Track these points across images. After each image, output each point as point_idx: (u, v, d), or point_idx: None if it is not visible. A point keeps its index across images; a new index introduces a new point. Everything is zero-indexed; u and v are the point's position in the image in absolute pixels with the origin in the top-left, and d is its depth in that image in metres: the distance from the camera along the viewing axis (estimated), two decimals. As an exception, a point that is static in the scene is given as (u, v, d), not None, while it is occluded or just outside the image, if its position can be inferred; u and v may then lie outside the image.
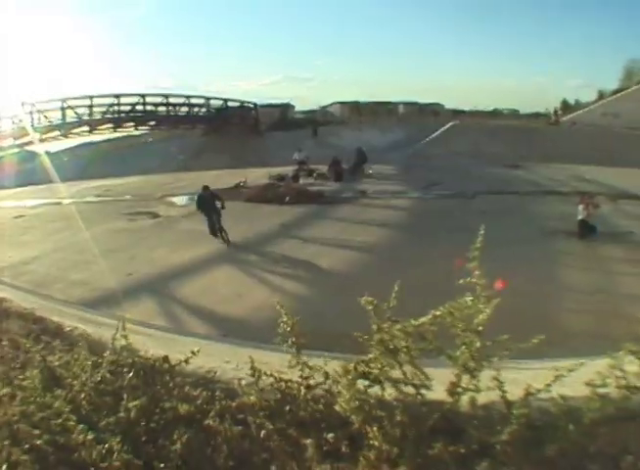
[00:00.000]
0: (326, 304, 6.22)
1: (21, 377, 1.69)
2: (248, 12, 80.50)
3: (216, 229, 10.16)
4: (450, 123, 27.42)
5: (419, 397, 1.39)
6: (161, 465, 1.31)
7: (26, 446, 1.34)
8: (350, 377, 1.42)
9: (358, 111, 37.84)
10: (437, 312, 1.42)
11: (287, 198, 13.66)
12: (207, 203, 10.33)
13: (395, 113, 37.92)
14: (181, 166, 25.78)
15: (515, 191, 14.09)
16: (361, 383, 1.42)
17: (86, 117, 26.55)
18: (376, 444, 1.29)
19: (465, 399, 1.37)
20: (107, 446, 1.32)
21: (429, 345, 1.41)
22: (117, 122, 28.38)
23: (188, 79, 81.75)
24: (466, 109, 40.27)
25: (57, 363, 1.78)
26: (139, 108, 28.66)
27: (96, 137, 29.57)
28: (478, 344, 1.35)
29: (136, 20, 67.13)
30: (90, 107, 26.62)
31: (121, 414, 1.46)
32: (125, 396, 1.52)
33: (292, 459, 1.33)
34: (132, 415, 1.45)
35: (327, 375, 1.49)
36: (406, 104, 39.37)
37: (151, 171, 24.32)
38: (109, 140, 31.52)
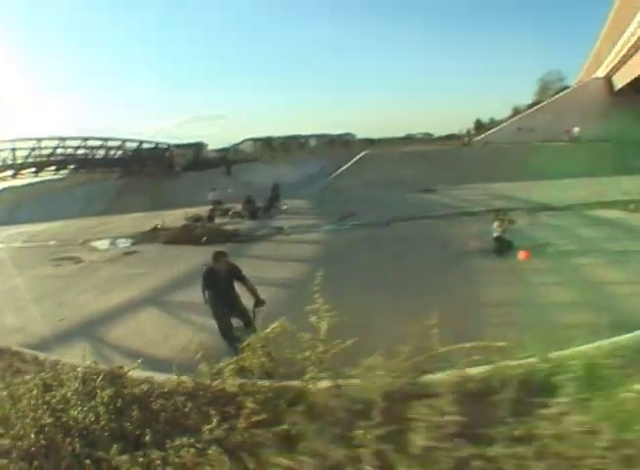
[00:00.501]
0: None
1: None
2: (158, 50, 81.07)
3: (233, 334, 5.08)
4: (362, 153, 27.50)
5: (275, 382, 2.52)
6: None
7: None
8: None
9: (270, 146, 38.01)
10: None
11: (203, 239, 13.19)
12: (222, 282, 5.54)
13: (307, 146, 38.29)
14: (101, 211, 25.62)
15: (430, 215, 13.81)
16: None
17: (10, 162, 26.81)
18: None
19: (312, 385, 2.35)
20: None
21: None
22: (39, 167, 28.63)
23: (105, 121, 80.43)
24: (378, 137, 41.40)
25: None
26: (59, 151, 28.89)
27: (19, 181, 30.00)
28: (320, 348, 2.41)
29: (53, 62, 65.18)
30: (13, 150, 26.82)
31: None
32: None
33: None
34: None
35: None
36: (317, 136, 39.95)
37: (73, 216, 24.24)
38: (31, 184, 31.50)
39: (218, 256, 5.62)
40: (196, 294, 7.96)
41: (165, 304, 8.40)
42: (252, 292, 5.45)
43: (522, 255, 8.14)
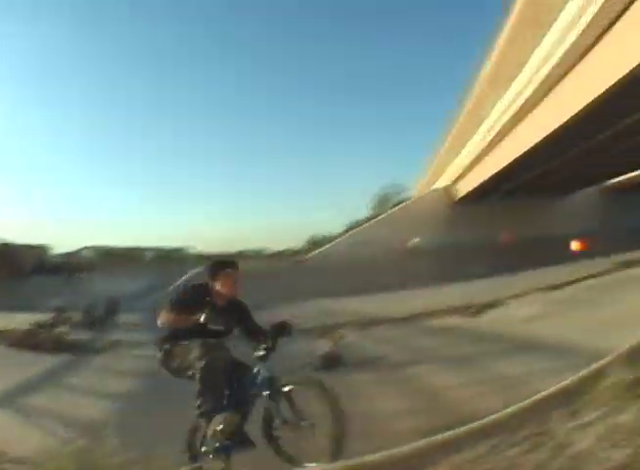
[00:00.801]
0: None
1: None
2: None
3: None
4: (195, 270, 26.11)
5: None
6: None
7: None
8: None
9: (110, 255, 35.92)
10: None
11: (46, 345, 12.65)
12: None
13: (144, 258, 37.07)
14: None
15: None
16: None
17: None
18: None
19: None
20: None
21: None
22: None
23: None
24: (215, 251, 41.32)
25: None
26: None
27: None
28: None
29: None
30: None
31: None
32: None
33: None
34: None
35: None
36: (155, 249, 38.98)
37: None
38: None
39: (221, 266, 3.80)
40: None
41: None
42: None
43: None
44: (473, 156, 25.91)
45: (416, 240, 29.32)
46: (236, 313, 3.70)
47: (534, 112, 17.55)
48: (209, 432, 3.06)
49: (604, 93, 13.00)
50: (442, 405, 5.43)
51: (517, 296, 14.20)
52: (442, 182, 34.32)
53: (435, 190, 34.90)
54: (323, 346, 8.61)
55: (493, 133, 21.49)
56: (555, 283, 15.43)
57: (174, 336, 3.41)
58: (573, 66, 14.17)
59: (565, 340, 7.17)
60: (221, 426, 3.01)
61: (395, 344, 10.13)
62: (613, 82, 12.46)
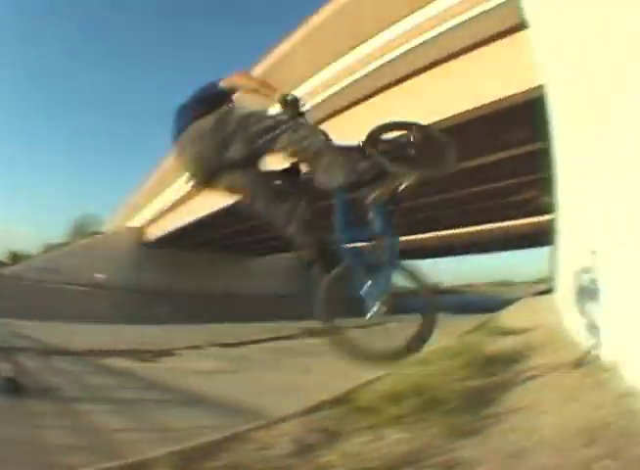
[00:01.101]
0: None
1: None
2: None
3: None
4: None
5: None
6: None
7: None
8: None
9: None
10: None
11: None
12: None
13: None
14: None
15: None
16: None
17: None
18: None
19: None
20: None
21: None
22: None
23: None
24: None
25: None
26: None
27: None
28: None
29: None
30: None
31: None
32: None
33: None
34: None
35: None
36: None
37: None
38: None
39: None
40: None
41: None
42: None
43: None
44: (169, 202, 26.95)
45: (100, 276, 28.08)
46: None
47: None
48: None
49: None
50: (100, 443, 5.57)
51: (196, 347, 15.57)
52: (137, 222, 34.17)
53: (129, 228, 34.47)
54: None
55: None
56: (234, 341, 17.62)
57: None
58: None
59: (230, 398, 7.81)
60: None
61: (71, 377, 9.91)
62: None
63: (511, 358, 5.86)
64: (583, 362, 4.22)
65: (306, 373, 11.07)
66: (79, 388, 8.89)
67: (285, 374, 11.09)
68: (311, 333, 19.04)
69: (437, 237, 30.59)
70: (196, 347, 15.64)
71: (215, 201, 19.37)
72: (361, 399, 4.15)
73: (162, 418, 6.80)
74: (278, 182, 2.54)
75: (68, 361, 11.48)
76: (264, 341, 18.56)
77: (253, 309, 29.78)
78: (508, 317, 11.96)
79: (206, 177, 2.47)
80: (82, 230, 42.05)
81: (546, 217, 19.01)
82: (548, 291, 17.71)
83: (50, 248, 35.72)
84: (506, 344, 7.27)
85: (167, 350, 14.48)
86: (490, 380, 4.70)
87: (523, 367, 5.23)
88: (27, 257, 35.83)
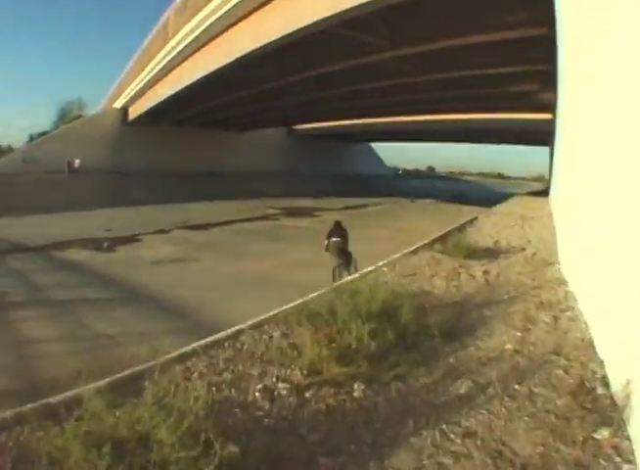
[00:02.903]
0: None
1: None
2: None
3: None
4: None
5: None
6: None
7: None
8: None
9: None
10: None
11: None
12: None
13: None
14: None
15: None
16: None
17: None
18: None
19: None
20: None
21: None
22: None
23: None
24: None
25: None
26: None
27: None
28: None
29: None
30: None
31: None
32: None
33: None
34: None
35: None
36: None
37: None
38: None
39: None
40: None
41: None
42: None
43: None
44: (148, 79, 24.66)
45: (77, 161, 26.98)
46: None
47: (212, 43, 17.30)
48: None
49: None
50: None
51: (161, 231, 15.54)
52: (120, 103, 31.64)
53: (113, 109, 32.28)
54: None
55: (169, 58, 20.63)
56: (201, 223, 17.45)
57: None
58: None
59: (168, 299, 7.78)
60: None
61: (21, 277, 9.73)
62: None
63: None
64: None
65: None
66: (24, 290, 8.64)
67: (244, 263, 11.08)
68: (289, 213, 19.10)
69: (437, 120, 28.73)
70: (161, 231, 15.54)
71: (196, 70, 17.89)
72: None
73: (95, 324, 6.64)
74: None
75: (22, 258, 11.28)
76: (233, 222, 18.45)
77: (235, 187, 29.39)
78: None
79: None
80: (68, 115, 39.69)
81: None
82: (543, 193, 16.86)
83: (34, 137, 33.87)
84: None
85: (132, 235, 14.39)
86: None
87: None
88: (9, 150, 34.12)
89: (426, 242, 7.50)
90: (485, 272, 5.32)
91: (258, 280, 9.17)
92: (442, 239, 7.62)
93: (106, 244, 12.83)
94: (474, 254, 6.19)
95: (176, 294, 8.10)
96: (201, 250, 12.60)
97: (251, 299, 6.97)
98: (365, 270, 5.77)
